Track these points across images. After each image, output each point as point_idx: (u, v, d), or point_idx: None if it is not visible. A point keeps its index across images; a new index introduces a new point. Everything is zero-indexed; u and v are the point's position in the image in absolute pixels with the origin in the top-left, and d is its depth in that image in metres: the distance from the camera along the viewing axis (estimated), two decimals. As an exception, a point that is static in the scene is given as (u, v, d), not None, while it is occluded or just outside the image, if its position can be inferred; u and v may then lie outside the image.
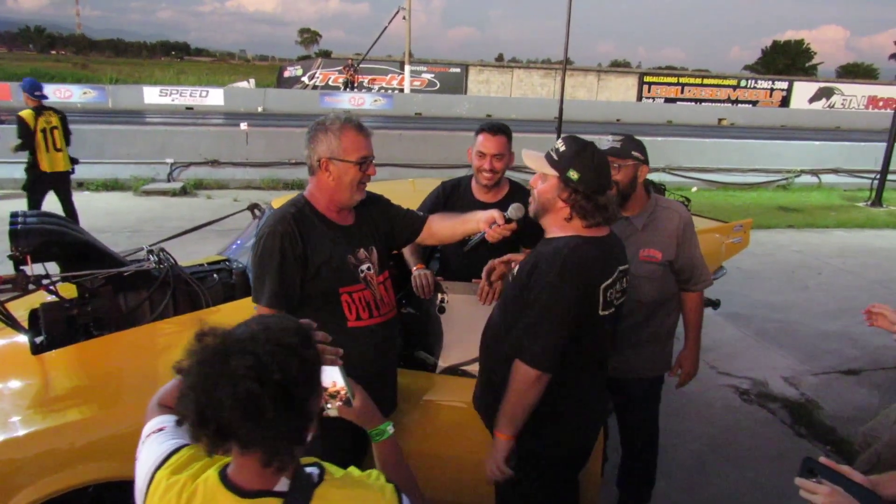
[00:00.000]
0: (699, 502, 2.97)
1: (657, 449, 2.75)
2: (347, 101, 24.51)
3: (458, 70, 35.34)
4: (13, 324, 2.35)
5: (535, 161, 1.82)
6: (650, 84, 37.38)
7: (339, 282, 1.91)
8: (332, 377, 1.21)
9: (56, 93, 21.20)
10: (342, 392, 1.23)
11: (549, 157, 1.79)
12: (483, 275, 2.15)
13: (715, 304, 3.74)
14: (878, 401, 3.92)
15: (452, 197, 2.66)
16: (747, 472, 3.19)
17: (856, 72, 69.62)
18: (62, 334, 2.36)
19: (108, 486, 1.90)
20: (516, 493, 1.91)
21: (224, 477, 1.04)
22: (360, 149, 1.90)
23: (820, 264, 7.15)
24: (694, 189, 11.53)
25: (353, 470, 1.12)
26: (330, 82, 31.81)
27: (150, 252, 2.76)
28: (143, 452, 1.16)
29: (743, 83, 38.00)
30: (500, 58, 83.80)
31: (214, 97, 23.48)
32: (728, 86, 37.58)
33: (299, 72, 34.35)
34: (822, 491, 1.21)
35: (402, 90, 30.66)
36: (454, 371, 2.39)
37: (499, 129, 2.51)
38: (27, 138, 6.05)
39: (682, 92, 36.99)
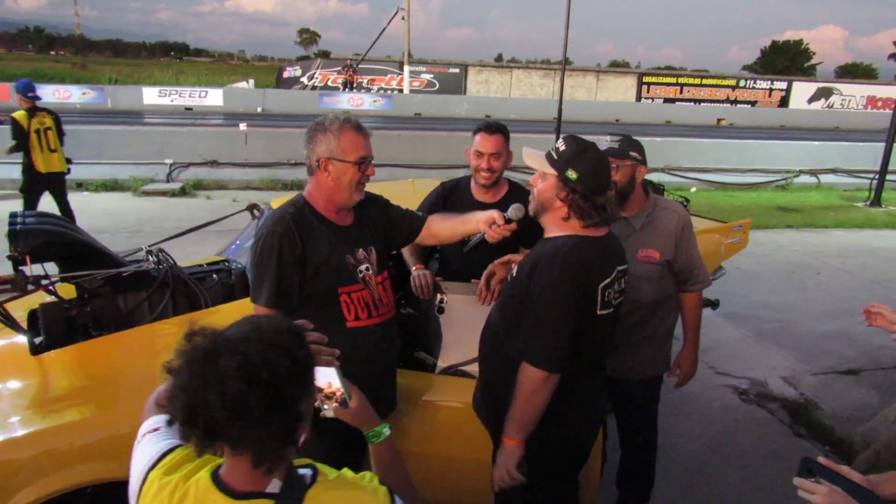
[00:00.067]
0: (698, 502, 2.97)
1: (656, 449, 2.75)
2: (346, 102, 24.49)
3: (457, 70, 35.30)
4: (12, 324, 2.35)
5: (535, 160, 1.82)
6: (649, 84, 37.37)
7: (337, 282, 1.91)
8: (328, 378, 1.21)
9: (55, 93, 21.20)
10: (338, 393, 1.22)
11: (549, 157, 1.79)
12: (482, 279, 2.15)
13: (714, 305, 3.73)
14: (877, 401, 3.92)
15: (451, 197, 2.66)
16: (746, 471, 3.19)
17: (855, 72, 69.61)
18: (61, 335, 2.36)
19: (107, 486, 1.90)
20: (516, 493, 1.91)
21: (216, 478, 1.04)
22: (359, 149, 1.90)
23: (819, 264, 7.15)
24: (693, 189, 11.54)
25: (346, 471, 1.11)
26: (329, 83, 31.74)
27: (150, 252, 2.75)
28: (137, 452, 1.16)
29: (742, 83, 37.97)
30: (499, 58, 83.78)
31: (213, 98, 23.45)
32: (727, 86, 37.58)
33: (298, 72, 34.30)
34: (820, 491, 1.21)
35: (401, 90, 30.65)
36: (453, 371, 2.38)
37: (496, 128, 2.51)
38: (21, 139, 6.05)
39: (680, 92, 36.98)
